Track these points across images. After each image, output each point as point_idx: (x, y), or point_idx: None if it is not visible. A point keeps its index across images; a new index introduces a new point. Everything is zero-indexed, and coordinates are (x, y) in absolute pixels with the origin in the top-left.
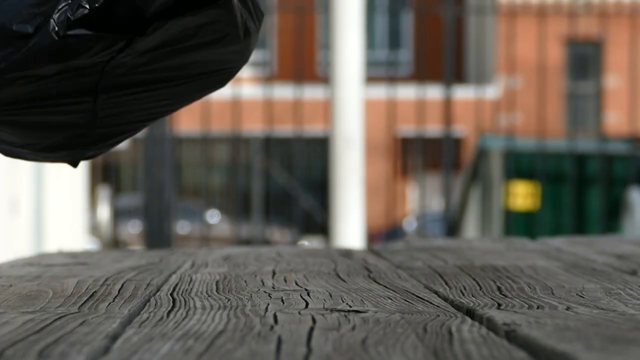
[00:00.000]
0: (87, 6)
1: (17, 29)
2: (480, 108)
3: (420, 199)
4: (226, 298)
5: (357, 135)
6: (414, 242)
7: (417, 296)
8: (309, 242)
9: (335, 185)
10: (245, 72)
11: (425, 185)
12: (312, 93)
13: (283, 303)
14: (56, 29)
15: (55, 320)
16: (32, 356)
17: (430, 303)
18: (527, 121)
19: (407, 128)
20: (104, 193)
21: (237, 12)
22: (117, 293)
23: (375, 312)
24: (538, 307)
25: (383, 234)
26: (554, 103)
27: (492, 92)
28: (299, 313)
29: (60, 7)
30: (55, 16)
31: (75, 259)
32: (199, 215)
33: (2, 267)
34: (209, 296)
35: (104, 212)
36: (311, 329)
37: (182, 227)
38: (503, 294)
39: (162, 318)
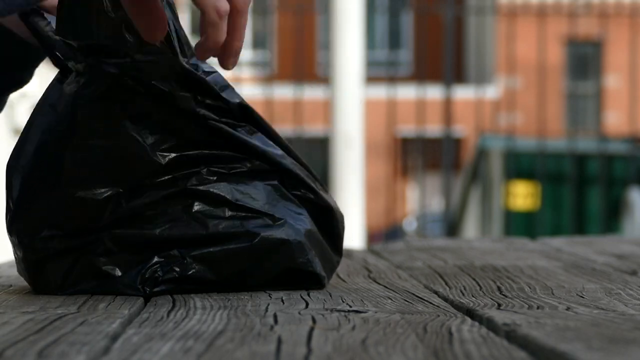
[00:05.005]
0: (178, 269)
1: None
2: (480, 108)
3: (420, 199)
4: (226, 298)
5: (357, 135)
6: (414, 242)
7: (417, 296)
8: None
9: (335, 185)
10: (245, 72)
11: (425, 185)
12: (312, 93)
13: (283, 303)
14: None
15: (55, 320)
16: (31, 356)
17: (430, 303)
18: (527, 121)
19: (407, 128)
20: None
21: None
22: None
23: (375, 312)
24: (538, 307)
25: (383, 234)
26: (554, 103)
27: (492, 92)
28: (299, 313)
29: (153, 261)
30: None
31: None
32: None
33: (2, 267)
34: (209, 296)
35: None
36: (311, 329)
37: None
38: (503, 294)
39: (162, 318)
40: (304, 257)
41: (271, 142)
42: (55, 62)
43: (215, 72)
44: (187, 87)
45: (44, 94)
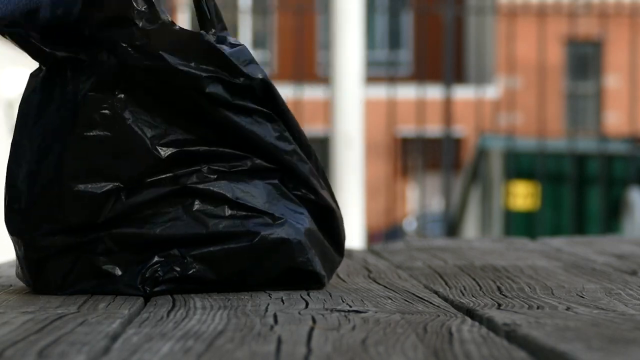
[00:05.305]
0: (178, 269)
1: None
2: (480, 108)
3: (420, 199)
4: (226, 298)
5: (357, 135)
6: (414, 242)
7: (417, 296)
8: None
9: (335, 185)
10: None
11: (425, 185)
12: (312, 93)
13: (283, 303)
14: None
15: (55, 320)
16: (31, 356)
17: (430, 303)
18: (527, 121)
19: (407, 128)
20: None
21: None
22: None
23: (375, 312)
24: (538, 307)
25: (383, 234)
26: (554, 103)
27: (492, 92)
28: (299, 313)
29: (153, 261)
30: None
31: None
32: None
33: (2, 267)
34: (209, 296)
35: None
36: (311, 329)
37: None
38: (503, 294)
39: (162, 318)
40: (304, 257)
41: (286, 134)
42: (40, 55)
43: (241, 45)
44: (206, 60)
45: (28, 88)
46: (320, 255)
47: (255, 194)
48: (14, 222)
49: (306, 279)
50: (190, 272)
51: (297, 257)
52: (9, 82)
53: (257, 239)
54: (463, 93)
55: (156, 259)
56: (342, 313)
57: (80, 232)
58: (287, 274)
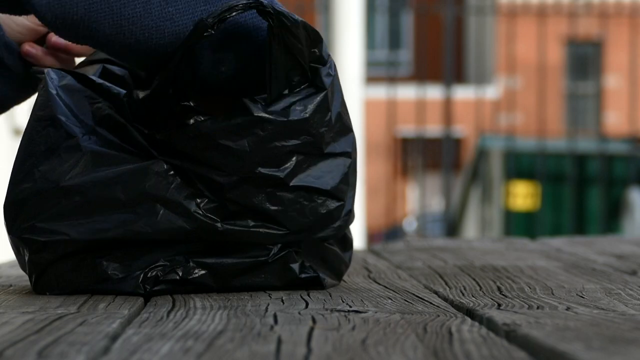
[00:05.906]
0: (180, 273)
1: None
2: (480, 108)
3: (420, 199)
4: (226, 298)
5: (357, 135)
6: (414, 242)
7: (417, 296)
8: None
9: None
10: None
11: (425, 185)
12: None
13: (283, 303)
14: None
15: (55, 320)
16: (31, 356)
17: (430, 303)
18: (527, 121)
19: (407, 128)
20: None
21: None
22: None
23: (375, 312)
24: (538, 307)
25: (383, 234)
26: (554, 103)
27: (492, 92)
28: (299, 313)
29: (158, 264)
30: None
31: None
32: None
33: (2, 267)
34: (209, 296)
35: None
36: (311, 329)
37: None
38: (503, 294)
39: (162, 318)
40: (310, 270)
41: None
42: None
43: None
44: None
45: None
46: (322, 261)
47: None
48: (14, 221)
49: (310, 286)
50: (191, 277)
51: (302, 273)
52: None
53: (263, 257)
54: (463, 93)
55: (160, 262)
56: (342, 313)
57: (85, 236)
58: (291, 285)
